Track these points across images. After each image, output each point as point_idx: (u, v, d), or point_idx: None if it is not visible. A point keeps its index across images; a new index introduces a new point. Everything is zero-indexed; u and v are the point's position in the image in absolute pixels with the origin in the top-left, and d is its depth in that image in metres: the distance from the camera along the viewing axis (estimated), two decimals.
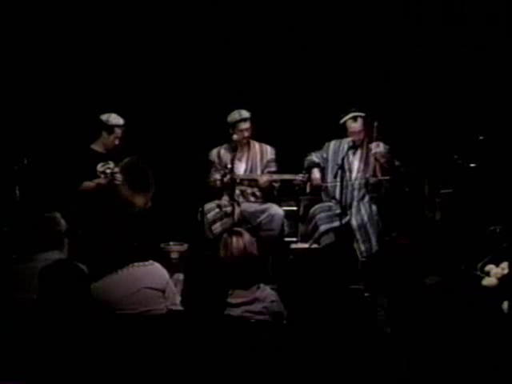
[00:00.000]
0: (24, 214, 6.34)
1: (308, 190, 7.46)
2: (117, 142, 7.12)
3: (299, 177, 7.30)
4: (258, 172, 7.40)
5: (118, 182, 6.95)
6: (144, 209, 7.00)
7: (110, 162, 7.02)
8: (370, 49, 7.92)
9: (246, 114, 7.27)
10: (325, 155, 7.45)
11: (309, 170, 7.42)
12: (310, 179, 7.39)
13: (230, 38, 8.00)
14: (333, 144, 7.45)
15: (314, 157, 7.45)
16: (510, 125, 7.17)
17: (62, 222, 4.96)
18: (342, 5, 7.91)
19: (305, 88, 8.01)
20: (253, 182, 7.34)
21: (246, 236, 4.54)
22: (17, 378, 3.60)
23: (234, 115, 7.27)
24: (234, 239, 4.50)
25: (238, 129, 7.26)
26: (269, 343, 3.91)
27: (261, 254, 4.72)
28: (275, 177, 7.34)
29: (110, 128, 7.11)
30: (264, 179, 7.31)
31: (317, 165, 7.43)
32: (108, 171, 6.95)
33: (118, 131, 7.12)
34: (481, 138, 7.26)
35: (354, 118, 7.28)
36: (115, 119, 7.13)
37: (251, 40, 8.00)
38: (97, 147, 7.16)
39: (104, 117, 7.12)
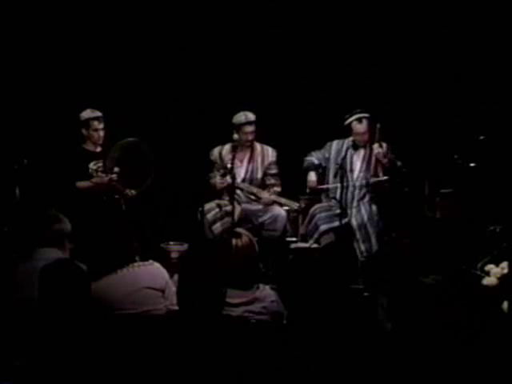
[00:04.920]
0: (24, 214, 6.34)
1: (307, 191, 7.47)
2: (101, 133, 7.05)
3: (295, 206, 7.30)
4: (259, 174, 7.37)
5: (114, 179, 6.95)
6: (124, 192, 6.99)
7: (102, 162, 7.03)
8: (371, 50, 7.93)
9: (251, 116, 7.20)
10: (327, 155, 7.42)
11: (306, 172, 7.42)
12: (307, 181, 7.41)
13: (233, 37, 8.01)
14: (335, 144, 7.43)
15: (315, 157, 7.43)
16: (510, 125, 7.18)
17: (66, 222, 4.95)
18: (346, 6, 7.91)
19: (306, 89, 8.02)
20: (254, 197, 7.30)
21: (246, 237, 4.51)
22: (16, 377, 3.60)
23: (240, 117, 7.20)
24: (234, 241, 4.48)
25: (243, 131, 7.21)
26: (269, 343, 3.90)
27: (261, 254, 4.72)
28: (274, 198, 7.27)
29: (85, 123, 7.08)
30: (267, 199, 7.25)
31: (316, 166, 7.41)
32: (100, 169, 6.96)
33: (94, 123, 7.05)
34: (481, 137, 7.27)
35: (359, 120, 7.27)
36: (86, 113, 7.07)
37: (255, 39, 8.01)
38: (88, 146, 7.15)
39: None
